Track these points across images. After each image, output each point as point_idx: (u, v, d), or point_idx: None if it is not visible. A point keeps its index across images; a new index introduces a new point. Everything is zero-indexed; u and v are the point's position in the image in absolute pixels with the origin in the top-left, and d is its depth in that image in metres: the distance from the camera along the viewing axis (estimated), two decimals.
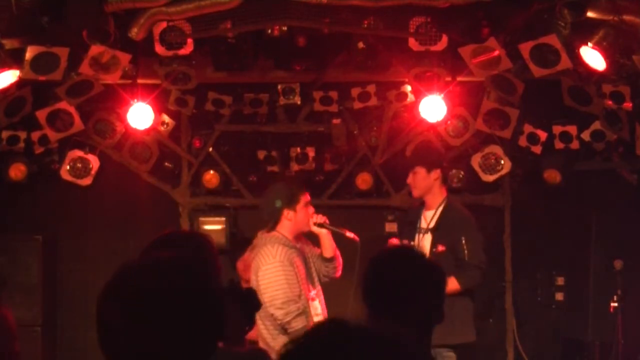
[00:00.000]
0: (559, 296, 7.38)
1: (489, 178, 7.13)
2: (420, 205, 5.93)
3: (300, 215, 5.41)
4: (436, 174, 5.70)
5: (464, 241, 5.50)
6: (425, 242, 5.70)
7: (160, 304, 1.84)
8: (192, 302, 1.86)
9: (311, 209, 5.48)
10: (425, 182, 5.72)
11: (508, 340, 7.35)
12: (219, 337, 1.94)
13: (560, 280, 7.38)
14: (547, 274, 7.43)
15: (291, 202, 5.39)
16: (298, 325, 5.11)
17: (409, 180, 5.81)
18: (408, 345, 1.46)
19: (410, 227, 5.90)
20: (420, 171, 5.72)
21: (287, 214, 5.38)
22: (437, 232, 5.65)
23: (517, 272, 7.41)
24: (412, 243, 5.72)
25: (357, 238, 5.51)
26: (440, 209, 5.75)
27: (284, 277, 5.17)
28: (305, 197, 5.46)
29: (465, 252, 5.48)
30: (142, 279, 1.88)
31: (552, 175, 7.20)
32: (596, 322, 6.73)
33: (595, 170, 7.28)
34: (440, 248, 5.57)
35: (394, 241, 5.62)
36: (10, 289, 6.71)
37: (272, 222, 5.43)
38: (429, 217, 5.75)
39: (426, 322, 2.79)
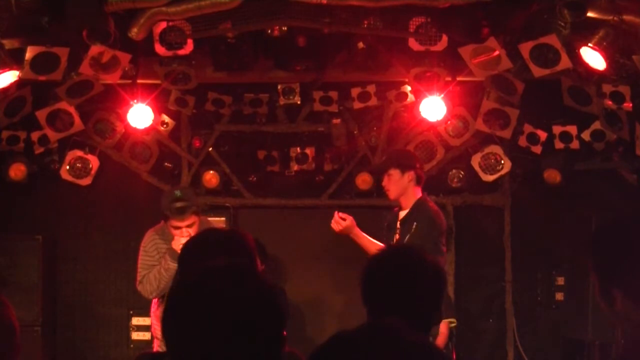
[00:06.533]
0: (559, 296, 7.38)
1: (489, 178, 7.14)
2: (399, 208, 5.94)
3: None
4: (410, 175, 5.72)
5: (414, 226, 5.53)
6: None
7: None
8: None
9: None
10: (400, 184, 5.74)
11: (508, 340, 7.35)
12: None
13: (560, 280, 7.38)
14: (547, 274, 7.43)
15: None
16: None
17: (384, 182, 5.82)
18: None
19: (388, 229, 5.92)
20: (395, 173, 5.74)
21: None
22: (402, 227, 5.68)
23: (517, 272, 7.41)
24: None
25: None
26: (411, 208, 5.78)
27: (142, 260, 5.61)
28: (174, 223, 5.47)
29: (413, 232, 5.50)
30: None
31: (552, 175, 7.20)
32: (596, 322, 6.71)
33: (595, 170, 7.28)
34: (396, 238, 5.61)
35: (337, 215, 5.63)
36: (10, 289, 6.70)
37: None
38: (402, 217, 5.78)
39: (426, 323, 2.77)
